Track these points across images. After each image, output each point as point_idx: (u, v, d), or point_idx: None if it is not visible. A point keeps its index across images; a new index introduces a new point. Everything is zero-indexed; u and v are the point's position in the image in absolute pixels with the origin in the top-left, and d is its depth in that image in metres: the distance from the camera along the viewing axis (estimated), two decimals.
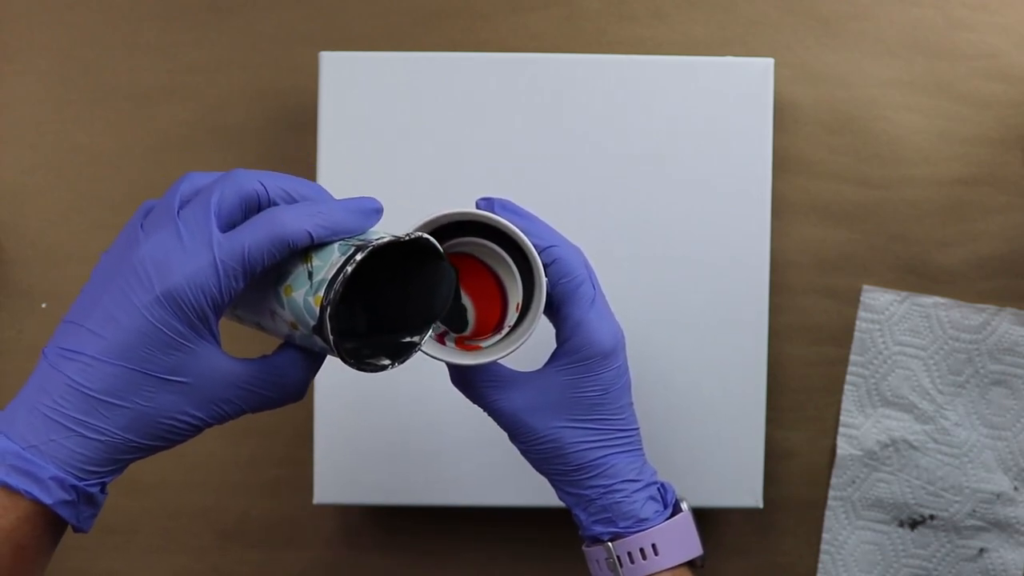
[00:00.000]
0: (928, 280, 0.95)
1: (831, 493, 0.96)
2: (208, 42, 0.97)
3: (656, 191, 0.89)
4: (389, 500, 0.91)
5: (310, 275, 0.59)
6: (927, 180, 0.95)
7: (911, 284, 0.95)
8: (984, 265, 0.95)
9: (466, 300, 0.69)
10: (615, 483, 0.70)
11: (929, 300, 0.95)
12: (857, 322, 0.95)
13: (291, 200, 0.61)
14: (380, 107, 0.89)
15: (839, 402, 0.96)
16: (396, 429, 0.90)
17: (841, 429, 0.95)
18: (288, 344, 0.63)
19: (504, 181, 0.89)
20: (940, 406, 0.95)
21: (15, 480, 0.56)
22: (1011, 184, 0.95)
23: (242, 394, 0.60)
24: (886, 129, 0.95)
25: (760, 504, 0.91)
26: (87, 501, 0.58)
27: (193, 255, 0.57)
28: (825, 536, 0.96)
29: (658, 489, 0.72)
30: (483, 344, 0.68)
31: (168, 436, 0.59)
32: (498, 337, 0.68)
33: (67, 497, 0.57)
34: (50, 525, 0.58)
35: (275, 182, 0.61)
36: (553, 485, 0.72)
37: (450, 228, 0.67)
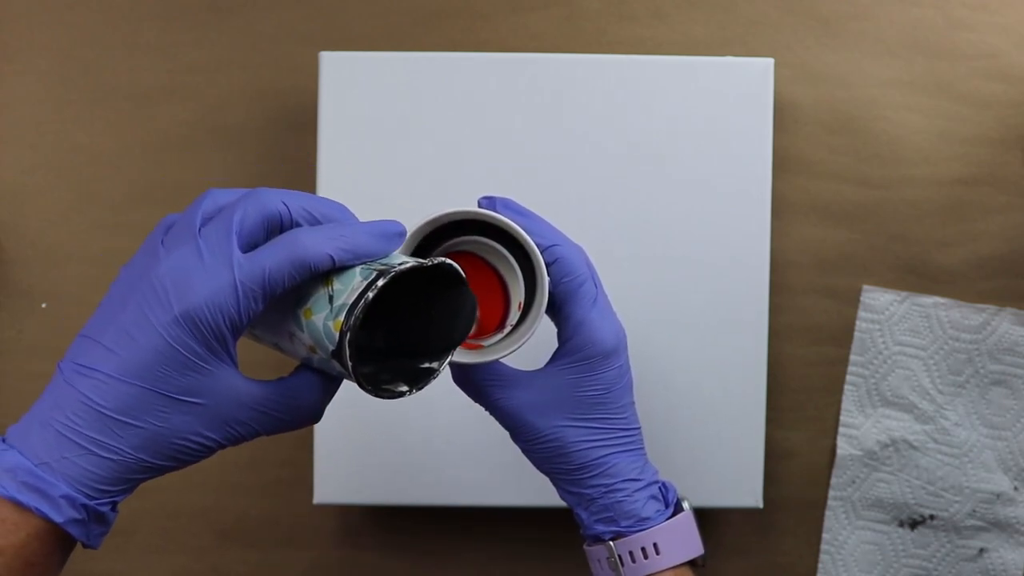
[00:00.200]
0: (928, 280, 0.95)
1: (831, 493, 0.96)
2: (208, 42, 0.97)
3: (656, 191, 0.89)
4: (389, 500, 0.91)
5: (330, 299, 0.58)
6: (927, 180, 0.95)
7: (911, 284, 0.95)
8: (984, 265, 0.95)
9: None
10: (617, 482, 0.70)
11: (929, 300, 0.95)
12: (857, 322, 0.95)
13: (313, 220, 0.60)
14: (380, 107, 0.89)
15: (839, 402, 0.96)
16: (396, 429, 0.90)
17: (841, 429, 0.95)
18: (305, 366, 0.62)
19: (504, 181, 0.89)
20: (940, 406, 0.95)
21: (26, 497, 0.55)
22: (1011, 184, 0.95)
23: (257, 416, 0.59)
24: (886, 129, 0.95)
25: (760, 504, 0.91)
26: (97, 520, 0.58)
27: (213, 275, 0.56)
28: (825, 536, 0.96)
29: (659, 488, 0.72)
30: (485, 343, 0.68)
31: (180, 457, 0.58)
32: (500, 336, 0.68)
33: (77, 516, 0.57)
34: (59, 542, 0.58)
35: (298, 202, 0.60)
36: (554, 484, 0.72)
37: (452, 227, 0.67)
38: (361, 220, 0.62)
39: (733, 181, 0.89)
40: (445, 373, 0.69)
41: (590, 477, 0.70)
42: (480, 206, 0.68)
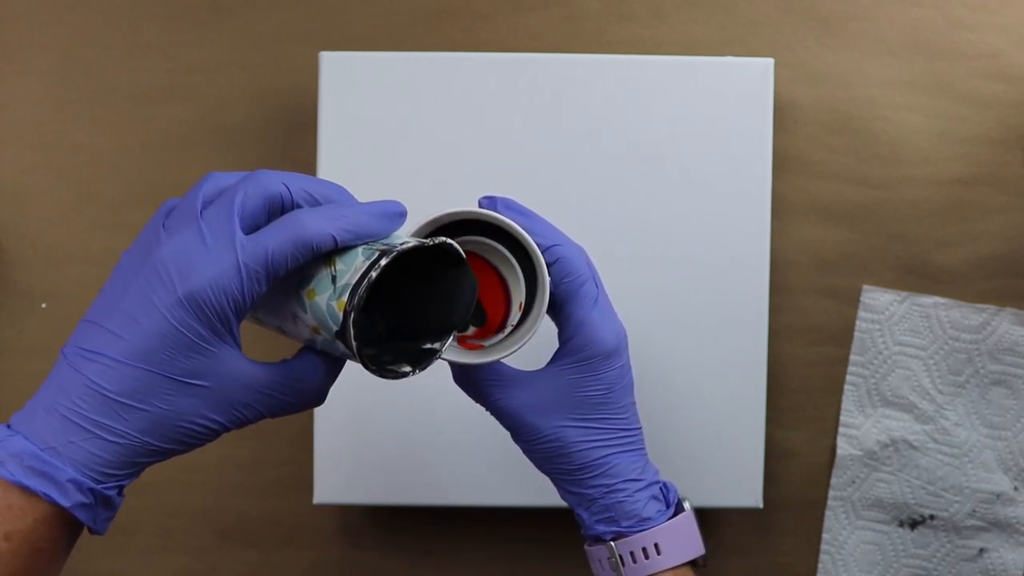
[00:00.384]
0: (928, 280, 0.95)
1: (831, 493, 0.96)
2: (208, 42, 0.97)
3: (656, 191, 0.89)
4: (389, 500, 0.91)
5: (333, 279, 0.58)
6: (927, 180, 0.95)
7: (911, 284, 0.95)
8: (984, 265, 0.95)
9: None
10: (617, 482, 0.70)
11: (929, 300, 0.95)
12: (857, 322, 0.95)
13: (314, 202, 0.61)
14: (380, 107, 0.89)
15: (839, 402, 0.96)
16: (396, 429, 0.90)
17: (841, 429, 0.95)
18: (308, 348, 0.62)
19: (504, 181, 0.89)
20: (940, 406, 0.95)
21: (33, 482, 0.55)
22: (1011, 184, 0.95)
23: (262, 398, 0.59)
24: (886, 129, 0.95)
25: (760, 504, 0.91)
26: (104, 504, 0.58)
27: (216, 257, 0.56)
28: (825, 536, 0.96)
29: (660, 489, 0.72)
30: (486, 343, 0.68)
31: (186, 440, 0.58)
32: (501, 336, 0.68)
33: (85, 500, 0.57)
34: (67, 527, 0.58)
35: (298, 183, 0.60)
36: (555, 484, 0.72)
37: (453, 227, 0.67)
38: (360, 201, 0.62)
39: (733, 181, 0.89)
40: (446, 371, 0.69)
41: (591, 477, 0.70)
42: (481, 206, 0.68)
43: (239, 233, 0.57)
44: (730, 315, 0.90)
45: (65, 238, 0.96)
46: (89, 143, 0.97)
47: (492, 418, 0.71)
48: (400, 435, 0.90)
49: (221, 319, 0.57)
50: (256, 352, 0.61)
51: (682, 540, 0.71)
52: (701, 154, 0.89)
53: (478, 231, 0.67)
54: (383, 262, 0.57)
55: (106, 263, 0.94)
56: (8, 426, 0.57)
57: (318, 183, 0.61)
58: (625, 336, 0.70)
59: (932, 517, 0.95)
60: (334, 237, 0.58)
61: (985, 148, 0.95)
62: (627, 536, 0.70)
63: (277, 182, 0.60)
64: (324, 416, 0.90)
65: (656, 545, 0.70)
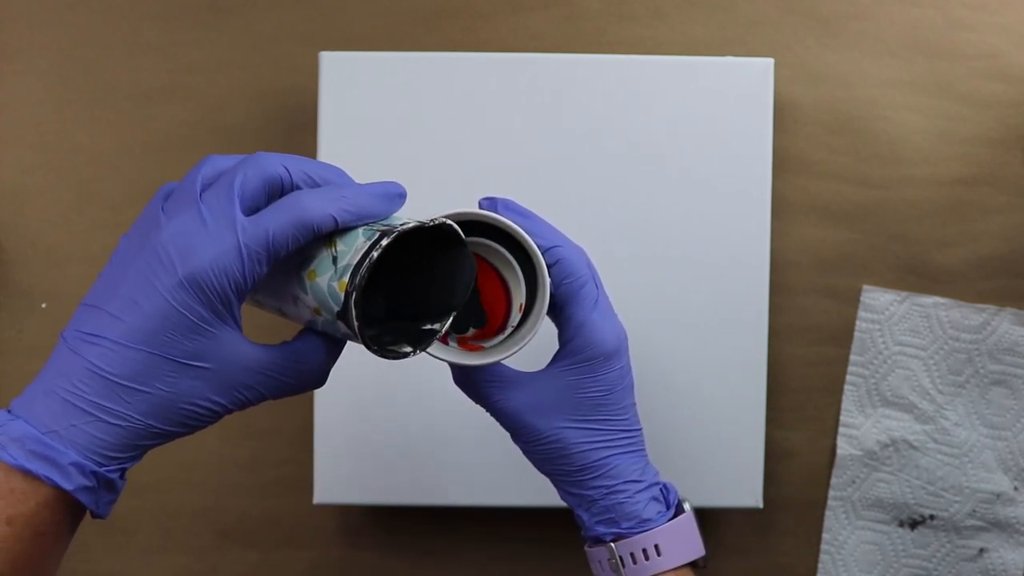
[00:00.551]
0: (928, 280, 0.95)
1: (831, 493, 0.96)
2: (208, 42, 0.97)
3: (656, 191, 0.89)
4: (389, 500, 0.91)
5: (334, 260, 0.58)
6: (927, 180, 0.95)
7: (911, 284, 0.95)
8: (984, 265, 0.95)
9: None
10: (618, 484, 0.70)
11: (929, 300, 0.95)
12: (857, 322, 0.95)
13: (314, 184, 0.61)
14: (380, 107, 0.89)
15: (839, 402, 0.96)
16: (396, 429, 0.90)
17: (841, 429, 0.95)
18: (309, 330, 0.62)
19: (504, 181, 0.89)
20: (940, 406, 0.95)
21: (35, 465, 0.55)
22: (1011, 184, 0.95)
23: (263, 380, 0.59)
24: (886, 129, 0.95)
25: (760, 504, 0.91)
26: (107, 487, 0.58)
27: (216, 239, 0.57)
28: (825, 536, 0.96)
29: (661, 490, 0.72)
30: (486, 344, 0.68)
31: (188, 422, 0.58)
32: (501, 337, 0.68)
33: (87, 483, 0.57)
34: (69, 511, 0.58)
35: (298, 165, 0.61)
36: (555, 485, 0.72)
37: None
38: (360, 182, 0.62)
39: (733, 181, 0.89)
40: (446, 372, 0.69)
41: (591, 478, 0.70)
42: (481, 207, 0.68)
43: (239, 215, 0.57)
44: (730, 315, 0.90)
45: (65, 238, 0.96)
46: (89, 143, 0.97)
47: (492, 418, 0.71)
48: (400, 435, 0.90)
49: (222, 300, 0.57)
50: (254, 335, 0.61)
51: (682, 541, 0.71)
52: (701, 154, 0.89)
53: (478, 232, 0.67)
54: (384, 242, 0.57)
55: (106, 263, 0.94)
56: (8, 411, 0.57)
57: (317, 165, 0.62)
58: (625, 337, 0.70)
59: (932, 517, 0.95)
60: (335, 218, 0.59)
61: (985, 148, 0.95)
62: (627, 537, 0.70)
63: (276, 164, 0.60)
64: (324, 416, 0.90)
65: (656, 546, 0.70)
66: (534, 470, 0.72)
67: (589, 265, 0.69)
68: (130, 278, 0.57)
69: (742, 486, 0.90)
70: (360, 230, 0.59)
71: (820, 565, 0.96)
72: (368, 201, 0.60)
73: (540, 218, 0.69)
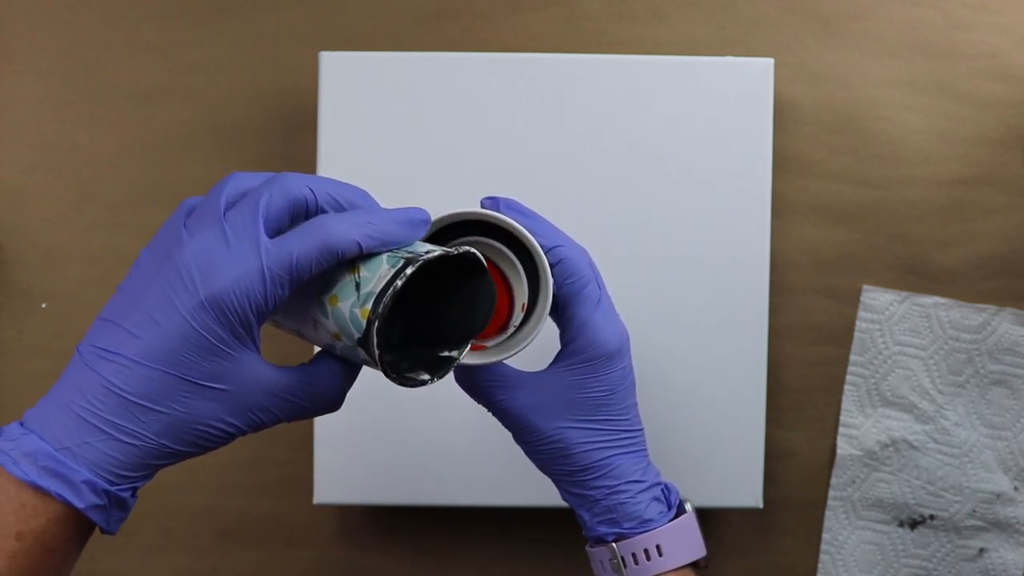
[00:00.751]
0: (928, 280, 0.95)
1: (831, 493, 0.96)
2: (208, 42, 0.97)
3: (656, 191, 0.89)
4: (389, 500, 0.91)
5: (357, 286, 0.58)
6: (927, 180, 0.95)
7: (911, 284, 0.95)
8: (984, 265, 0.95)
9: None
10: (620, 484, 0.70)
11: (929, 300, 0.95)
12: (857, 322, 0.95)
13: (338, 206, 0.60)
14: (380, 107, 0.89)
15: (839, 402, 0.96)
16: (396, 429, 0.90)
17: (841, 429, 0.95)
18: (326, 353, 0.62)
19: (504, 181, 0.89)
20: (940, 406, 0.95)
21: (47, 482, 0.55)
22: (1011, 184, 0.95)
23: (279, 403, 0.59)
24: (886, 129, 0.95)
25: (760, 504, 0.91)
26: (118, 505, 0.58)
27: (239, 260, 0.56)
28: (825, 536, 0.96)
29: (662, 490, 0.72)
30: (488, 344, 0.68)
31: (201, 442, 0.58)
32: (503, 337, 0.68)
33: (99, 501, 0.56)
34: (79, 528, 0.57)
35: (323, 187, 0.60)
36: (557, 485, 0.72)
37: (455, 228, 0.67)
38: (385, 208, 0.62)
39: (733, 181, 0.89)
40: (448, 374, 0.69)
41: (593, 479, 0.69)
42: (483, 207, 0.68)
43: (263, 236, 0.57)
44: (730, 315, 0.90)
45: (65, 238, 0.96)
46: (89, 143, 0.96)
47: (492, 418, 0.71)
48: (400, 435, 0.90)
49: (243, 323, 0.56)
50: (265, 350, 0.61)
51: (684, 542, 0.71)
52: (701, 154, 0.89)
53: (480, 232, 0.67)
54: (409, 271, 0.57)
55: (106, 263, 0.95)
56: (21, 424, 0.57)
57: (343, 187, 0.61)
58: (627, 338, 0.70)
59: (932, 517, 0.95)
60: (359, 244, 0.58)
61: (985, 148, 0.95)
62: (629, 537, 0.70)
63: (302, 185, 0.59)
64: (324, 416, 0.89)
65: (658, 547, 0.70)
66: (534, 470, 0.72)
67: (591, 265, 0.69)
68: (150, 295, 0.56)
69: (742, 486, 0.90)
70: (384, 256, 0.59)
71: (820, 565, 0.96)
72: (393, 228, 0.59)
73: (542, 218, 0.69)
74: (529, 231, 0.66)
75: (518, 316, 0.67)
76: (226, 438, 0.59)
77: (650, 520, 0.70)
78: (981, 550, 0.95)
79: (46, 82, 0.97)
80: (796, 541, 0.97)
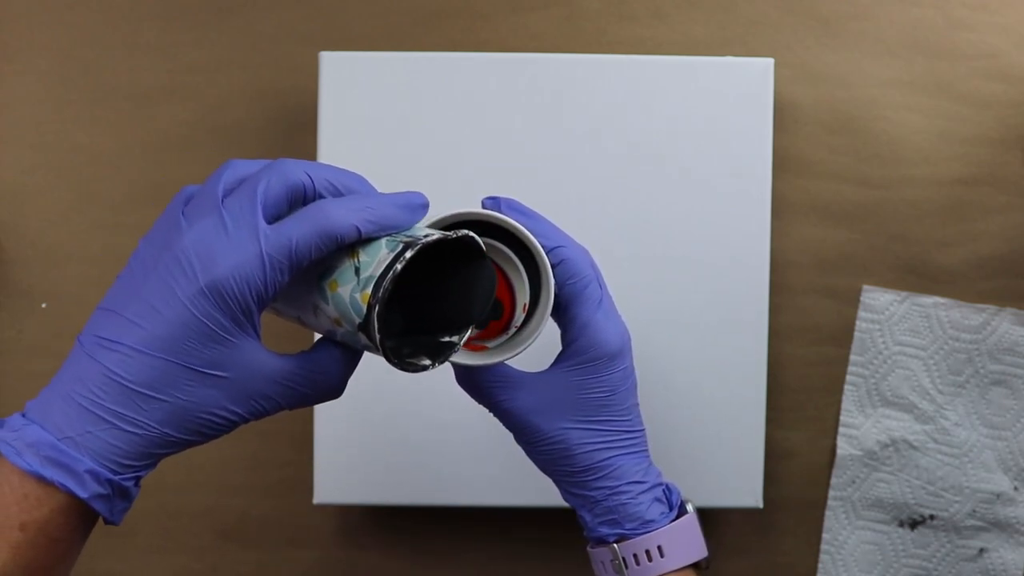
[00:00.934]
0: (928, 280, 0.95)
1: (831, 493, 0.96)
2: (208, 42, 0.97)
3: (656, 191, 0.89)
4: (389, 500, 0.91)
5: (357, 271, 0.58)
6: (927, 180, 0.95)
7: (911, 284, 0.95)
8: (984, 265, 0.95)
9: None
10: (621, 485, 0.69)
11: (929, 300, 0.95)
12: (857, 322, 0.95)
13: (336, 192, 0.60)
14: (380, 107, 0.89)
15: (839, 402, 0.96)
16: (396, 429, 0.90)
17: (841, 429, 0.95)
18: (327, 340, 0.62)
19: (504, 181, 0.89)
20: (940, 406, 0.95)
21: (50, 472, 0.55)
22: (1011, 184, 0.95)
23: (281, 390, 0.59)
24: (886, 129, 0.96)
25: (760, 504, 0.91)
26: (121, 495, 0.57)
27: (239, 247, 0.56)
28: (825, 536, 0.96)
29: (663, 491, 0.72)
30: (489, 345, 0.68)
31: (204, 431, 0.58)
32: (505, 338, 0.68)
33: (102, 491, 0.56)
34: (82, 518, 0.57)
35: (321, 173, 0.60)
36: (558, 486, 0.72)
37: (456, 228, 0.66)
38: (383, 192, 0.62)
39: (733, 181, 0.89)
40: (447, 371, 0.69)
41: (594, 479, 0.69)
42: (484, 207, 0.68)
43: (262, 223, 0.57)
44: (730, 315, 0.90)
45: (65, 238, 0.96)
46: (89, 143, 0.96)
47: (493, 418, 0.71)
48: (400, 435, 0.90)
49: (243, 309, 0.56)
50: (269, 341, 0.61)
51: (685, 542, 0.71)
52: (701, 154, 0.89)
53: (482, 232, 0.67)
54: (408, 254, 0.57)
55: (106, 263, 0.95)
56: (23, 415, 0.57)
57: (340, 173, 0.61)
58: (629, 338, 0.70)
59: (932, 517, 0.95)
60: (358, 228, 0.58)
61: (985, 148, 0.95)
62: (630, 538, 0.70)
63: (300, 171, 0.59)
64: (324, 416, 0.90)
65: (659, 547, 0.69)
66: (535, 470, 0.72)
67: (593, 265, 0.69)
68: (150, 284, 0.56)
69: (742, 486, 0.90)
70: (383, 241, 0.59)
71: (820, 565, 0.96)
72: (392, 212, 0.59)
73: (544, 218, 0.69)
74: (530, 231, 0.66)
75: (520, 316, 0.67)
76: (228, 426, 0.59)
77: (651, 521, 0.70)
78: (981, 550, 0.95)
79: (46, 82, 0.97)
80: (796, 541, 0.97)
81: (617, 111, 0.89)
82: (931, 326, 0.95)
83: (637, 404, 0.71)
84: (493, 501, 0.91)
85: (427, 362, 0.61)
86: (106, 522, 0.59)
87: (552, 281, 0.66)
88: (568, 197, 0.89)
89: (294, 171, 0.59)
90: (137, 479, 0.58)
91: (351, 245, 0.59)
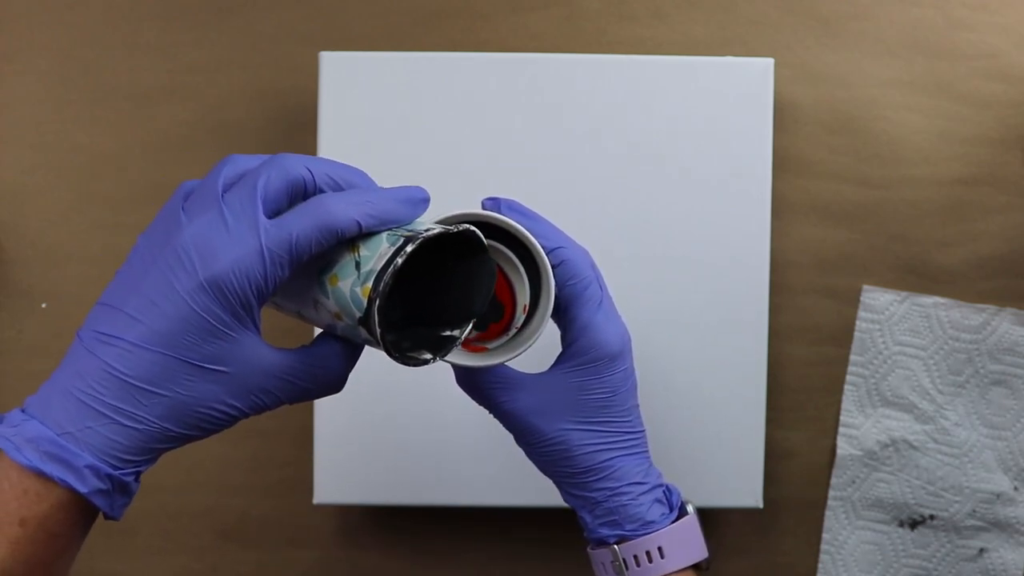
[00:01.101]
0: (928, 280, 0.95)
1: (831, 493, 0.96)
2: (208, 42, 0.97)
3: (656, 191, 0.89)
4: (389, 500, 0.91)
5: (358, 265, 0.58)
6: (927, 180, 0.95)
7: (911, 284, 0.95)
8: (984, 265, 0.95)
9: None
10: (621, 486, 0.69)
11: (929, 300, 0.95)
12: (857, 322, 0.95)
13: (337, 186, 0.60)
14: (380, 107, 0.89)
15: (839, 402, 0.96)
16: (396, 429, 0.90)
17: (841, 429, 0.95)
18: (327, 334, 0.62)
19: (504, 181, 0.89)
20: (940, 406, 0.95)
21: (50, 468, 0.55)
22: (1011, 184, 0.95)
23: (281, 385, 0.59)
24: (886, 129, 0.95)
25: (760, 504, 0.91)
26: (121, 490, 0.57)
27: (239, 241, 0.56)
28: (825, 536, 0.96)
29: (664, 492, 0.72)
30: (490, 346, 0.68)
31: (204, 425, 0.58)
32: (505, 339, 0.68)
33: (102, 486, 0.56)
34: (82, 513, 0.57)
35: (321, 167, 0.60)
36: (559, 487, 0.72)
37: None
38: (384, 187, 0.62)
39: (733, 181, 0.89)
40: (446, 372, 0.69)
41: (595, 480, 0.69)
42: (484, 208, 0.68)
43: (262, 217, 0.57)
44: (730, 315, 0.90)
45: (65, 238, 0.96)
46: (89, 143, 0.96)
47: (493, 419, 0.71)
48: (400, 435, 0.90)
49: (243, 304, 0.56)
50: (270, 336, 0.61)
51: (685, 544, 0.71)
52: (701, 154, 0.89)
53: (482, 233, 0.67)
54: (409, 248, 0.57)
55: (106, 263, 0.94)
56: (23, 410, 0.57)
57: (341, 167, 0.61)
58: (629, 339, 0.70)
59: (932, 517, 0.95)
60: (359, 222, 0.58)
61: (985, 148, 0.95)
62: (631, 540, 0.70)
63: (300, 166, 0.59)
64: (324, 416, 0.90)
65: (660, 549, 0.69)
66: (534, 470, 0.72)
67: (593, 266, 0.69)
68: (149, 279, 0.56)
69: (742, 486, 0.90)
70: (384, 235, 0.59)
71: (820, 565, 0.96)
72: (393, 206, 0.59)
73: (544, 219, 0.69)
74: (530, 232, 0.66)
75: (520, 318, 0.67)
76: (228, 421, 0.59)
77: (652, 522, 0.70)
78: (981, 550, 0.95)
79: (46, 82, 0.97)
80: (796, 541, 0.97)
81: (617, 111, 0.89)
82: (931, 326, 0.95)
83: (637, 405, 0.71)
84: (493, 501, 0.91)
85: (428, 356, 0.61)
86: (106, 517, 0.59)
87: (552, 282, 0.66)
88: (568, 197, 0.89)
89: (294, 165, 0.59)
90: (137, 474, 0.58)
91: (351, 239, 0.59)
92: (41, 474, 0.55)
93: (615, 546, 0.70)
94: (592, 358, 0.68)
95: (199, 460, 0.96)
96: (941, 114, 0.95)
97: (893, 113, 0.95)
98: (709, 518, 0.95)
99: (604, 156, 0.89)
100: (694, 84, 0.90)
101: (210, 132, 0.96)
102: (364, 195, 0.59)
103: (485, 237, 0.67)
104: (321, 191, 0.60)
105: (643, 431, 0.71)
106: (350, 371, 0.63)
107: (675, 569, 0.70)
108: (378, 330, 0.57)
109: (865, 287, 0.95)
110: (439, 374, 0.70)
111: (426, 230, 0.58)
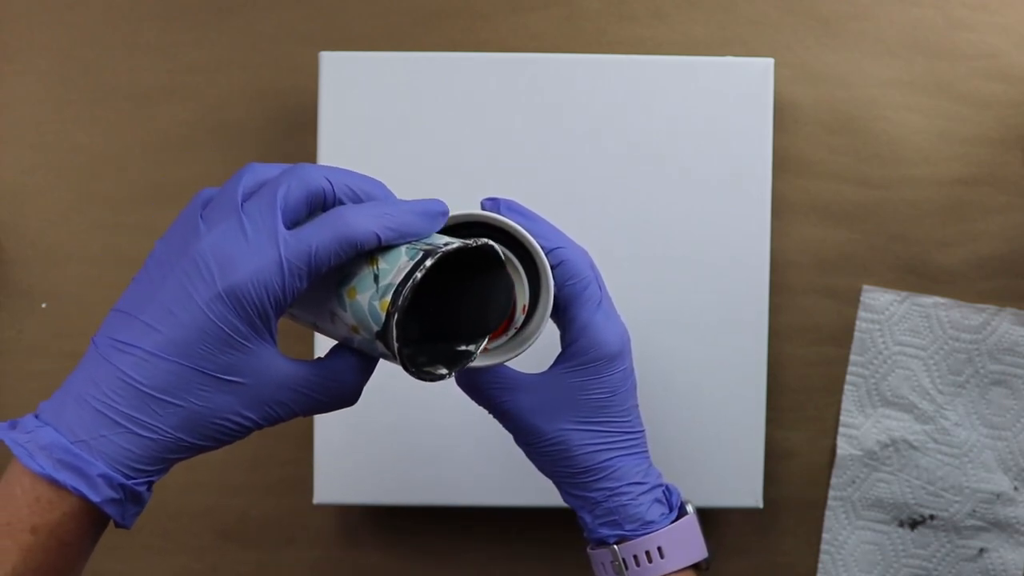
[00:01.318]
0: (928, 280, 0.95)
1: (831, 493, 0.96)
2: (208, 42, 0.97)
3: (656, 191, 0.89)
4: (389, 500, 0.91)
5: (376, 279, 0.57)
6: (927, 180, 0.95)
7: (911, 284, 0.95)
8: (984, 265, 0.95)
9: None
10: (621, 486, 0.69)
11: (929, 300, 0.95)
12: (857, 322, 0.95)
13: (356, 198, 0.60)
14: (380, 107, 0.89)
15: (839, 402, 0.96)
16: (396, 429, 0.90)
17: (841, 429, 0.95)
18: (342, 347, 0.61)
19: (504, 181, 0.89)
20: (940, 406, 0.95)
21: (63, 476, 0.55)
22: (1011, 184, 0.95)
23: (296, 397, 0.59)
24: (886, 129, 0.95)
25: (760, 504, 0.91)
26: (133, 499, 0.57)
27: (258, 252, 0.55)
28: (825, 536, 0.96)
29: (664, 492, 0.72)
30: (490, 346, 0.68)
31: (218, 436, 0.58)
32: (505, 339, 0.67)
33: (114, 495, 0.56)
34: (94, 522, 0.57)
35: (341, 179, 0.60)
36: (558, 487, 0.72)
37: (455, 229, 0.66)
38: (403, 199, 0.61)
39: (733, 181, 0.89)
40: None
41: (594, 480, 0.69)
42: (483, 208, 0.68)
43: (281, 228, 0.56)
44: (730, 315, 0.90)
45: (65, 238, 0.96)
46: (89, 143, 0.96)
47: (492, 418, 0.71)
48: (400, 435, 0.90)
49: (260, 315, 0.56)
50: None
51: (685, 544, 0.71)
52: (701, 154, 0.89)
53: (481, 234, 0.67)
54: (428, 262, 0.56)
55: (106, 263, 0.95)
56: (37, 416, 0.57)
57: (360, 179, 0.61)
58: (628, 339, 0.70)
59: (932, 517, 0.95)
60: (378, 235, 0.58)
61: (985, 148, 0.95)
62: (630, 540, 0.70)
63: (320, 177, 0.59)
64: (324, 416, 0.90)
65: (660, 549, 0.69)
66: (534, 470, 0.72)
67: (592, 267, 0.69)
68: (167, 287, 0.56)
69: (742, 486, 0.90)
70: (403, 248, 0.58)
71: (820, 565, 0.96)
72: (412, 219, 0.59)
73: (543, 219, 0.69)
74: (530, 233, 0.66)
75: (519, 318, 0.67)
76: (242, 432, 0.58)
77: (652, 522, 0.70)
78: (981, 550, 0.95)
79: (46, 82, 0.97)
80: (796, 541, 0.97)
81: (617, 111, 0.89)
82: (931, 326, 0.95)
83: (637, 405, 0.71)
84: (493, 501, 0.91)
85: (444, 371, 0.61)
86: (117, 526, 0.58)
87: (552, 282, 0.66)
88: (568, 197, 0.89)
89: (314, 176, 0.59)
90: (149, 484, 0.58)
91: (370, 252, 0.58)
92: (54, 482, 0.55)
93: (615, 546, 0.70)
94: (592, 358, 0.68)
95: (199, 460, 0.95)
96: (941, 114, 0.95)
97: (893, 113, 0.95)
98: (709, 518, 0.95)
99: (604, 156, 0.89)
100: (694, 84, 0.90)
101: (210, 132, 0.96)
102: (383, 208, 0.59)
103: (484, 237, 0.66)
104: (340, 202, 0.59)
105: (643, 431, 0.71)
106: (364, 385, 0.62)
107: (675, 569, 0.70)
108: (396, 344, 0.57)
109: (865, 287, 0.95)
110: None
111: (445, 244, 0.58)
